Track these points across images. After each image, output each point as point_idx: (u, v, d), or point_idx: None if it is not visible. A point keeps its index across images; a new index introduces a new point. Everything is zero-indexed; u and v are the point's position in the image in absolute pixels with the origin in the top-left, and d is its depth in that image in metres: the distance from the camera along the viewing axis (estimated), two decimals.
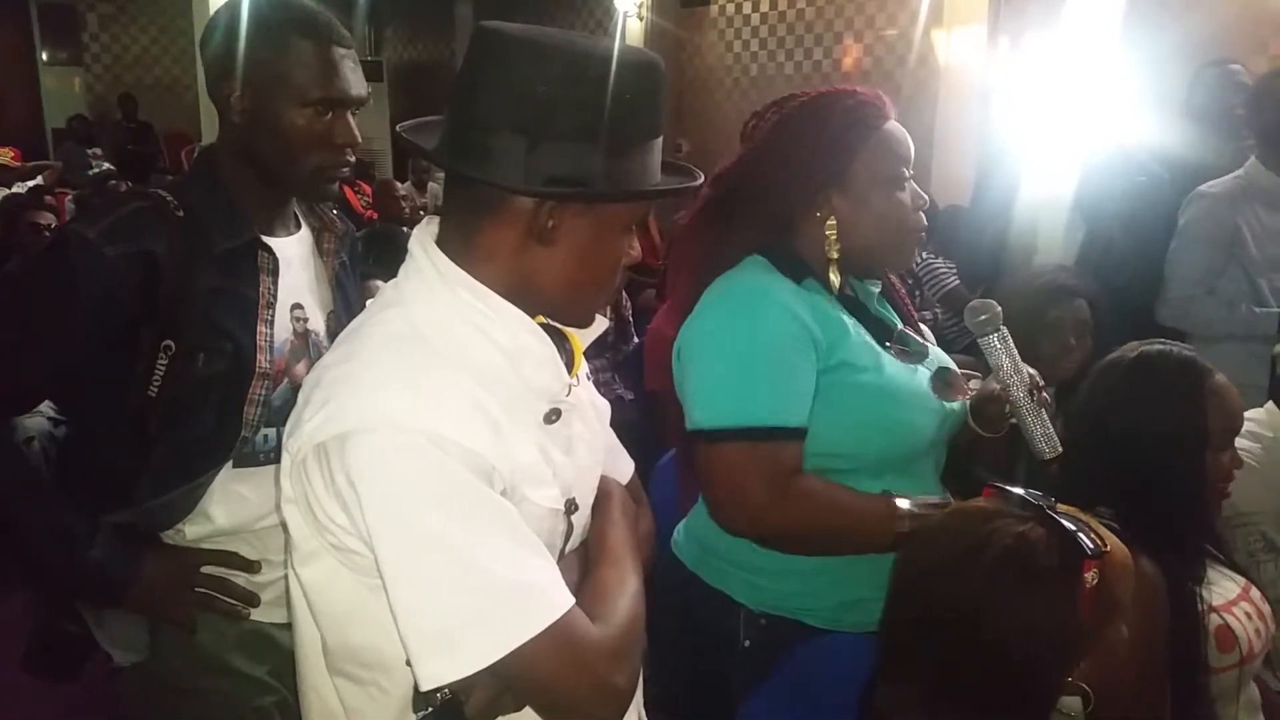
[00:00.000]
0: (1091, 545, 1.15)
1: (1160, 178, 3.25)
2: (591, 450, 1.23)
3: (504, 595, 0.95)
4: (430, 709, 0.99)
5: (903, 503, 1.51)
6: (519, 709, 1.02)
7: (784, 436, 1.49)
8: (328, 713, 1.13)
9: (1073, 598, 1.14)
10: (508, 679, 0.97)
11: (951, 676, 1.18)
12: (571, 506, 1.15)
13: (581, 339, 1.20)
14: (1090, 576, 1.15)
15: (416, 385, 1.01)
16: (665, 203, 1.63)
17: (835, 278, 1.59)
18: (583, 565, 1.15)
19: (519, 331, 1.08)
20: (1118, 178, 3.24)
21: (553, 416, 1.13)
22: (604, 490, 1.26)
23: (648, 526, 1.33)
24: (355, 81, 1.55)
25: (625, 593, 1.09)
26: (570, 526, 1.15)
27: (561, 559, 1.14)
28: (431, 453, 0.97)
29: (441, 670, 0.94)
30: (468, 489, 0.98)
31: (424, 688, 0.96)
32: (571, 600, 0.99)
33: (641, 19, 9.34)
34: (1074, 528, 1.16)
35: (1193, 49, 3.94)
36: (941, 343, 1.85)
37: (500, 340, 1.07)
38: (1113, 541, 1.20)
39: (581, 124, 1.02)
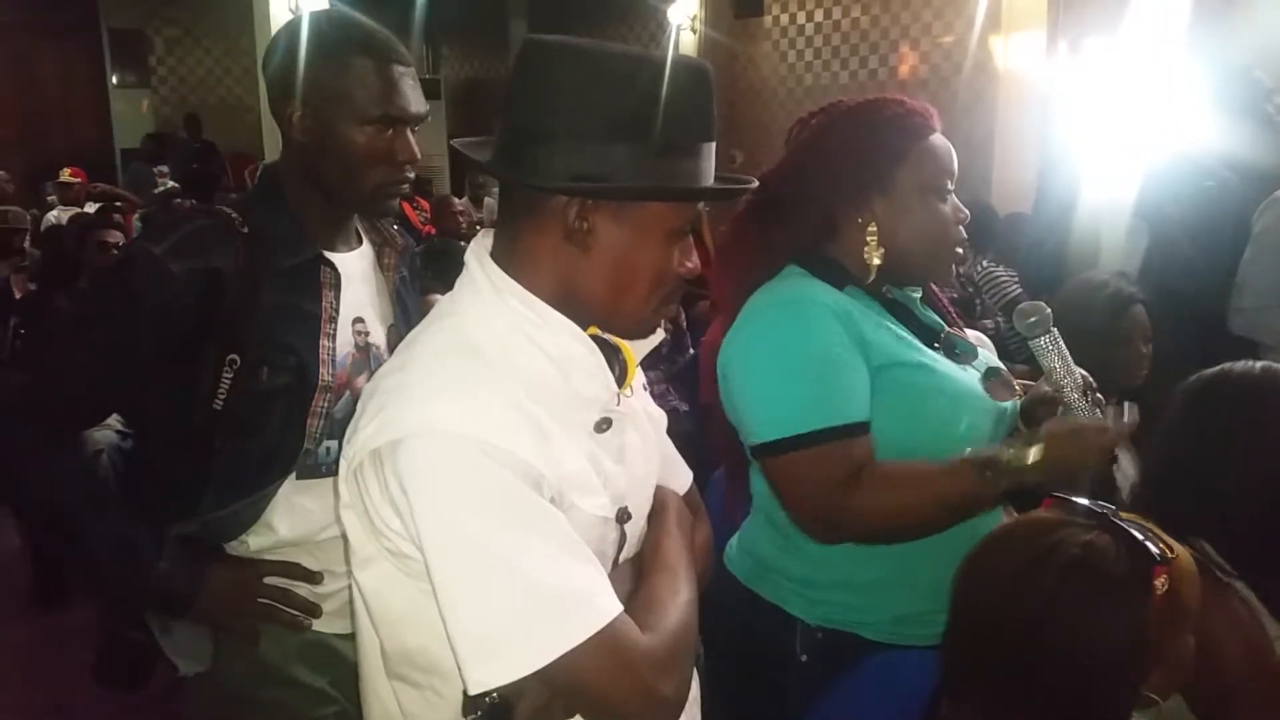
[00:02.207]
0: (1159, 552, 1.12)
1: (1229, 183, 3.17)
2: (646, 460, 1.22)
3: (551, 602, 0.96)
4: (479, 713, 1.00)
5: (978, 452, 1.45)
6: (568, 717, 1.02)
7: (849, 434, 1.46)
8: (388, 717, 1.14)
9: (1143, 605, 1.12)
10: (556, 686, 0.98)
11: (1020, 690, 1.16)
12: (624, 515, 1.15)
13: (636, 350, 1.20)
14: (1160, 583, 1.12)
15: (467, 394, 1.02)
16: (724, 214, 1.62)
17: (874, 267, 1.57)
18: (636, 574, 1.15)
19: (566, 339, 1.09)
20: (1184, 183, 3.17)
21: (603, 425, 1.13)
22: (660, 500, 1.25)
23: (705, 537, 1.32)
24: (415, 99, 1.57)
25: (676, 602, 1.09)
26: (623, 535, 1.16)
27: (615, 568, 1.14)
28: (481, 460, 0.98)
29: (488, 675, 0.95)
30: (517, 496, 0.99)
31: (471, 692, 0.97)
32: (619, 608, 1.00)
33: (695, 31, 9.35)
34: (1141, 535, 1.14)
35: (1259, 51, 3.84)
36: (1004, 352, 1.82)
37: (549, 349, 1.08)
38: (1179, 549, 1.18)
39: (611, 124, 1.03)
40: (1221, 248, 3.04)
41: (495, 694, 0.98)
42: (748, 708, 1.68)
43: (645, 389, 1.33)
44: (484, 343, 1.07)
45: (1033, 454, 1.40)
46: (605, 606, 0.98)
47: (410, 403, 1.02)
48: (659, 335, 1.23)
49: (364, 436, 1.03)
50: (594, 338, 1.13)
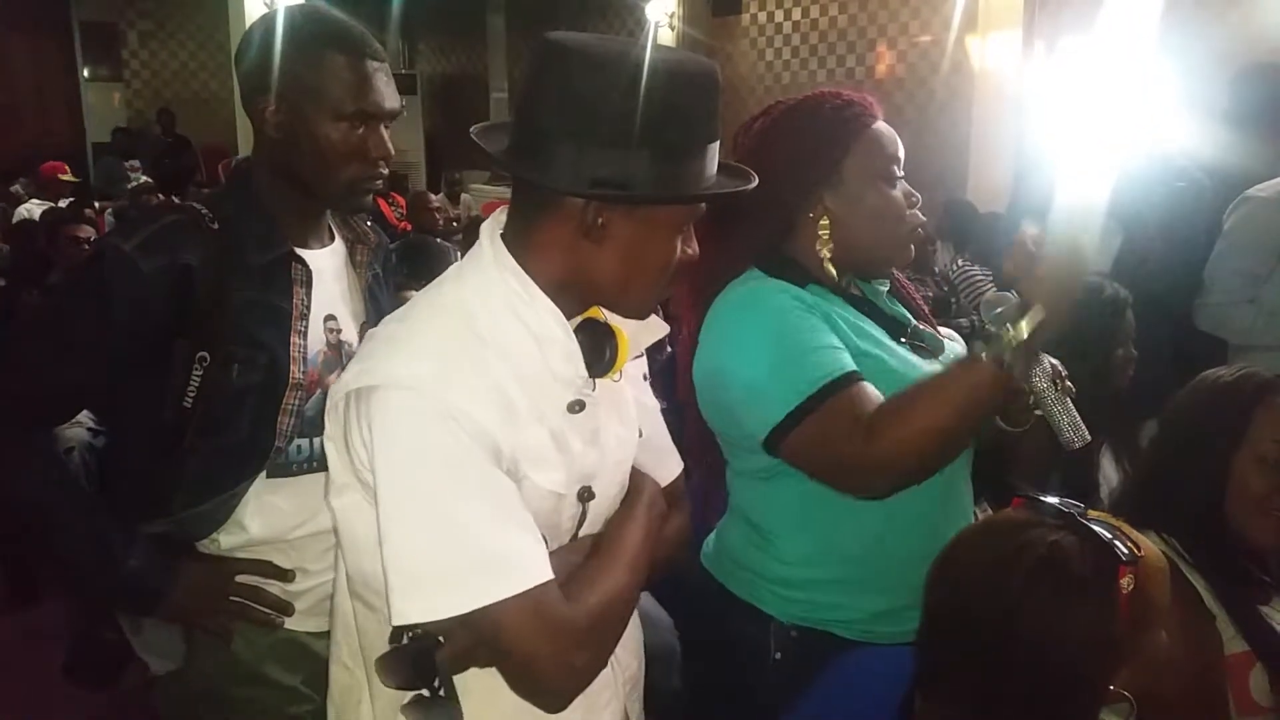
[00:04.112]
0: (1126, 551, 1.14)
1: (1201, 184, 3.20)
2: (621, 445, 1.27)
3: (481, 557, 1.04)
4: (402, 642, 1.08)
5: (977, 349, 1.38)
6: (491, 666, 1.08)
7: (844, 384, 1.44)
8: (347, 630, 1.24)
9: (1109, 605, 1.13)
10: (479, 637, 1.05)
11: (992, 690, 1.17)
12: (586, 494, 1.21)
13: (639, 340, 1.25)
14: (1126, 583, 1.13)
15: (446, 357, 1.10)
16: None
17: (831, 270, 1.58)
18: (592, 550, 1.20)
19: (549, 322, 1.15)
20: (1157, 184, 3.19)
21: (576, 407, 1.18)
22: (635, 486, 1.30)
23: (677, 528, 1.35)
24: (389, 95, 1.56)
25: (610, 583, 1.14)
26: (584, 513, 1.21)
27: (574, 541, 1.21)
28: (444, 420, 1.06)
29: (409, 611, 1.03)
30: (469, 458, 1.06)
31: (393, 624, 1.05)
32: (548, 576, 1.07)
33: (673, 29, 9.35)
34: (1108, 535, 1.15)
35: (1233, 52, 3.88)
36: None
37: (533, 327, 1.15)
38: (1147, 547, 1.19)
39: (627, 130, 1.07)
40: (1194, 248, 3.06)
41: (420, 629, 1.06)
42: (722, 705, 1.68)
43: (646, 380, 1.37)
44: (477, 312, 1.14)
45: (1027, 321, 1.32)
46: (533, 571, 1.05)
47: (394, 354, 1.11)
48: (664, 328, 1.29)
49: (350, 376, 1.12)
50: (594, 321, 1.21)
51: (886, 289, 1.72)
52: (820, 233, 1.57)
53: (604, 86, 1.07)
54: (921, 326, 1.68)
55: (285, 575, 1.57)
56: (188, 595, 1.52)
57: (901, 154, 1.60)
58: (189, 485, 1.52)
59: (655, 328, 1.28)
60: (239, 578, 1.55)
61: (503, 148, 1.17)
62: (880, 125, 1.59)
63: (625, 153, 1.08)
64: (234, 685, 1.58)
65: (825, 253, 1.57)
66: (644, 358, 1.37)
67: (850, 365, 1.47)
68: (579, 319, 1.21)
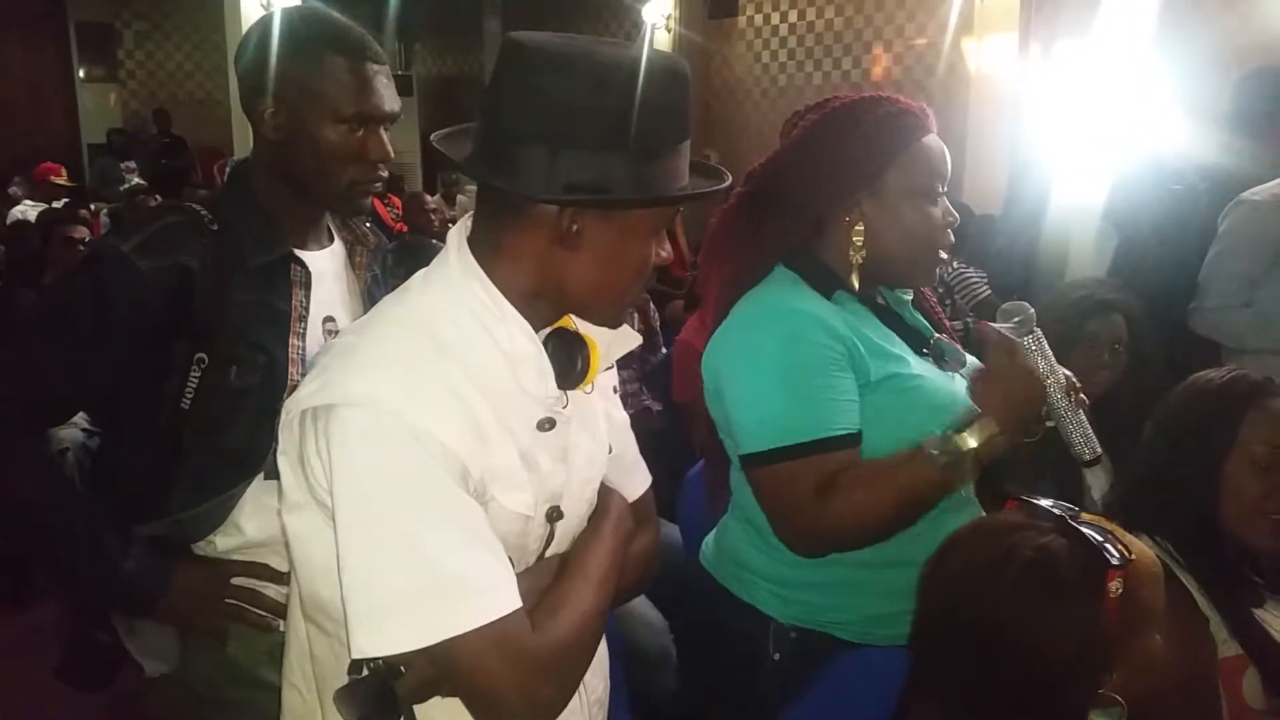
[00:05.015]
0: (1116, 555, 1.14)
1: (1196, 186, 3.20)
2: (590, 462, 1.23)
3: (444, 586, 0.99)
4: (362, 674, 1.03)
5: (932, 440, 1.45)
6: (454, 696, 1.04)
7: (831, 446, 1.46)
8: (302, 654, 1.18)
9: (1097, 609, 1.13)
10: (442, 668, 1.01)
11: (982, 690, 1.18)
12: (554, 514, 1.17)
13: (611, 351, 1.21)
14: (1114, 586, 1.13)
15: (408, 373, 1.04)
16: (697, 210, 1.61)
17: (856, 281, 1.57)
18: (559, 572, 1.17)
19: (519, 337, 1.11)
20: (1152, 187, 3.19)
21: (546, 425, 1.14)
22: (603, 504, 1.26)
23: (644, 546, 1.31)
24: (389, 97, 1.56)
25: (578, 609, 1.10)
26: (552, 533, 1.17)
27: (540, 562, 1.17)
28: (406, 440, 1.01)
29: (370, 644, 0.98)
30: (433, 482, 1.01)
31: (352, 656, 1.00)
32: (516, 604, 1.02)
33: (669, 31, 9.35)
34: (1099, 538, 1.15)
35: (1228, 55, 3.89)
36: (974, 352, 1.83)
37: (502, 342, 1.10)
38: (1139, 550, 1.19)
39: (601, 131, 1.03)
40: (1189, 251, 3.06)
41: (381, 661, 1.00)
42: (720, 706, 1.69)
43: (616, 392, 1.34)
44: (440, 325, 1.09)
45: (978, 432, 1.42)
46: (500, 600, 1.00)
47: (351, 370, 1.05)
48: (636, 339, 1.26)
49: (305, 393, 1.06)
50: (565, 330, 1.16)
51: (910, 298, 1.71)
52: (855, 239, 1.56)
53: (574, 87, 1.02)
54: (943, 340, 1.67)
55: (281, 578, 1.56)
56: (183, 597, 1.52)
57: (948, 169, 1.58)
58: (186, 487, 1.51)
59: (628, 338, 1.24)
60: (235, 580, 1.55)
61: (466, 154, 1.12)
62: (930, 139, 1.57)
63: (600, 155, 1.03)
64: (229, 687, 1.57)
65: (858, 259, 1.56)
66: (614, 370, 1.33)
67: (856, 425, 1.48)
68: (549, 329, 1.17)
